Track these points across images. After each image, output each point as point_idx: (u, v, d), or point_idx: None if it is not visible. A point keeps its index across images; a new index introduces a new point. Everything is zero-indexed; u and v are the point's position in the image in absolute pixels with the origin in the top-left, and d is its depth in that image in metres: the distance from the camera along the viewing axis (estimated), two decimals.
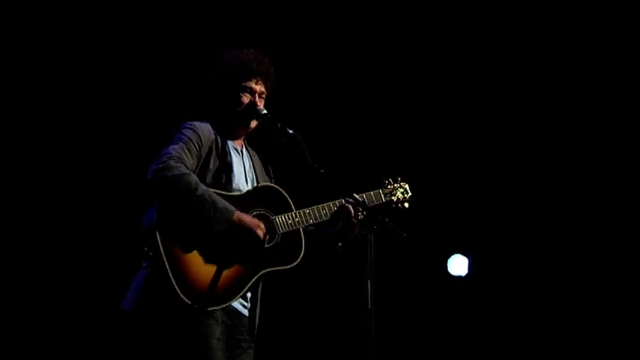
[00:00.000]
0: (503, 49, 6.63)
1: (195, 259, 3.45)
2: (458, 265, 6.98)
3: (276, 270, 3.63)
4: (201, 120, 3.74)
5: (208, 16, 6.00)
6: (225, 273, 3.49)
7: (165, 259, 3.37)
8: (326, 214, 3.80)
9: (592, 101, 6.67)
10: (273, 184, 3.86)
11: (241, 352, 3.65)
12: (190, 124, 3.67)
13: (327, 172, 3.60)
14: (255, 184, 3.81)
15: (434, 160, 6.78)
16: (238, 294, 3.54)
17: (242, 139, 3.92)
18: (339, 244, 3.83)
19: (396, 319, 6.42)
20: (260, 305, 3.71)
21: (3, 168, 5.59)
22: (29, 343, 5.60)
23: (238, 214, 3.50)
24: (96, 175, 5.80)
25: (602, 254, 6.70)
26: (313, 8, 6.25)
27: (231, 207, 3.49)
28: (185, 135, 3.60)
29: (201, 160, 3.62)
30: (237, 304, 3.61)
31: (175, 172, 3.41)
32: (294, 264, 3.68)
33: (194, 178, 3.46)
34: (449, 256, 7.00)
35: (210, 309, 3.44)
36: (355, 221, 3.76)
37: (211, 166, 3.64)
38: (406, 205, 4.12)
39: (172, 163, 3.44)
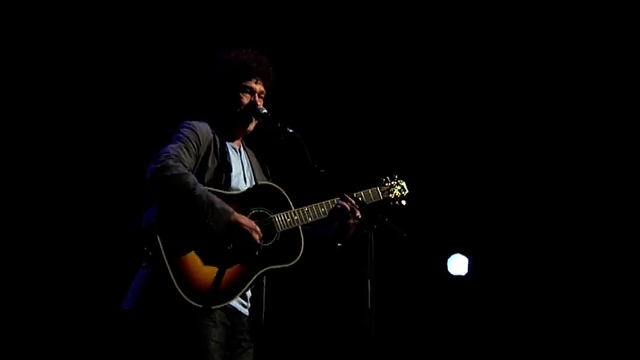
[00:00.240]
0: (503, 49, 6.63)
1: (194, 258, 3.45)
2: (458, 264, 6.99)
3: (276, 268, 3.63)
4: (200, 120, 3.74)
5: (208, 16, 6.00)
6: (225, 272, 3.49)
7: (165, 259, 3.37)
8: (324, 212, 3.81)
9: (592, 101, 6.67)
10: (272, 183, 3.86)
11: (241, 351, 3.65)
12: (188, 124, 3.67)
13: (327, 172, 3.60)
14: (254, 183, 3.81)
15: (434, 160, 6.78)
16: (238, 293, 3.53)
17: (240, 139, 3.91)
18: (339, 244, 3.83)
19: (396, 319, 6.42)
20: (265, 306, 3.71)
21: (3, 168, 5.59)
22: (29, 343, 5.61)
23: (236, 216, 3.49)
24: (96, 175, 5.81)
25: (601, 254, 6.70)
26: (312, 8, 6.25)
27: (229, 208, 3.48)
28: (183, 134, 3.60)
29: (200, 160, 3.61)
30: (236, 303, 3.60)
31: (174, 172, 3.41)
32: (294, 262, 3.68)
33: (192, 178, 3.46)
34: (449, 256, 7.00)
35: (210, 308, 3.43)
36: (351, 221, 3.75)
37: (210, 165, 3.64)
38: (404, 202, 4.12)
39: (171, 162, 3.43)
